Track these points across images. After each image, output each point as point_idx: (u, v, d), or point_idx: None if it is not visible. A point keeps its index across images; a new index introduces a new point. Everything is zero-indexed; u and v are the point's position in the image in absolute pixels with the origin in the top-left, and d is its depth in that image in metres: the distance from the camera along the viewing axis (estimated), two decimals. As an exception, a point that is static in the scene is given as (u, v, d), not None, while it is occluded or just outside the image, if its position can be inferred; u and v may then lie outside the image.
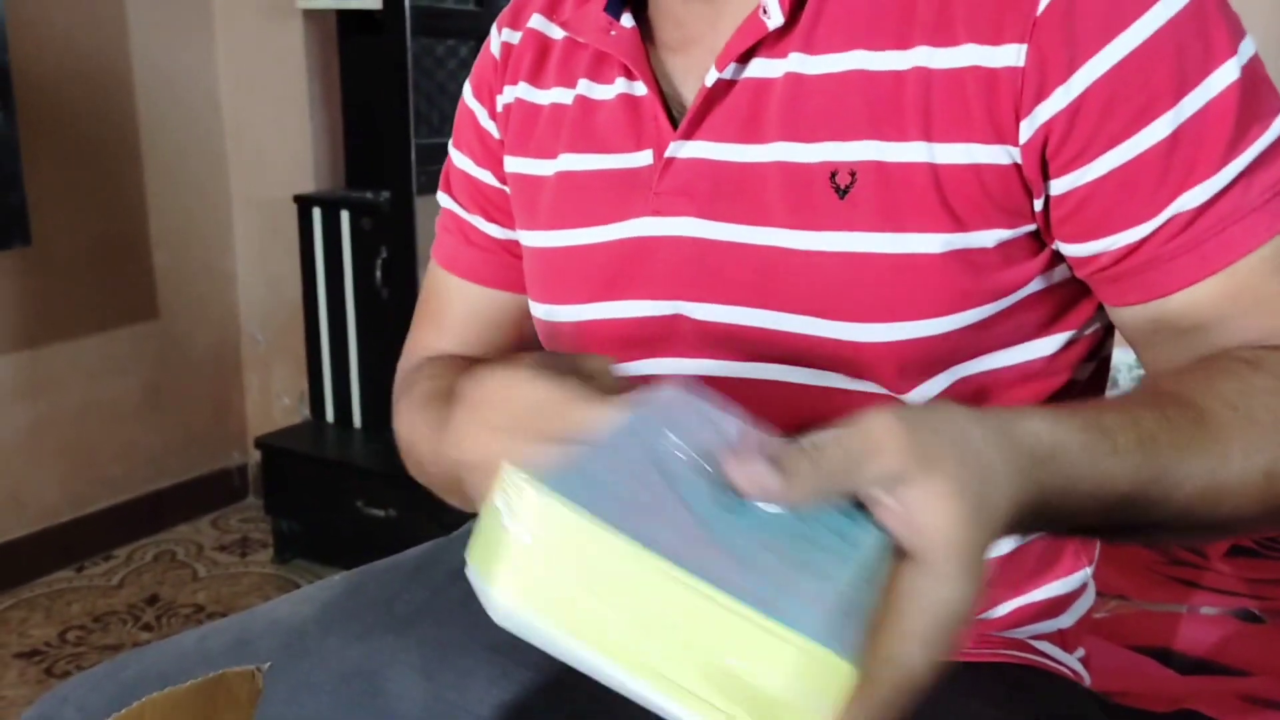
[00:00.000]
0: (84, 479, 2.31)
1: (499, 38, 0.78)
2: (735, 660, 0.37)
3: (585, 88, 0.72)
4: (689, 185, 0.65)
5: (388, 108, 2.09)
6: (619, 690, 0.40)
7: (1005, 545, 0.68)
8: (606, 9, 0.69)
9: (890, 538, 0.41)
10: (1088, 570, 0.73)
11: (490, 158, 0.78)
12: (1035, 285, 0.62)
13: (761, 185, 0.62)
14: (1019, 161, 0.59)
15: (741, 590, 0.37)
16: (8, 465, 2.19)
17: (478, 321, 0.81)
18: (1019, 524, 0.44)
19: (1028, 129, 0.58)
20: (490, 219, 0.79)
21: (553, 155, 0.72)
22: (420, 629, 0.71)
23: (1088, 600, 0.74)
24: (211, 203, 2.47)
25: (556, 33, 0.74)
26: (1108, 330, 0.68)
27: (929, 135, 0.59)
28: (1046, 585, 0.70)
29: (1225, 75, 0.56)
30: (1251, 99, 0.56)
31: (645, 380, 0.62)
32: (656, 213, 0.66)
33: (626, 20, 0.69)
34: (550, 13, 0.75)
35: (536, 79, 0.75)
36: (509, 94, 0.76)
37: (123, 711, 0.44)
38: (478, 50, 0.82)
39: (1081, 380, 0.68)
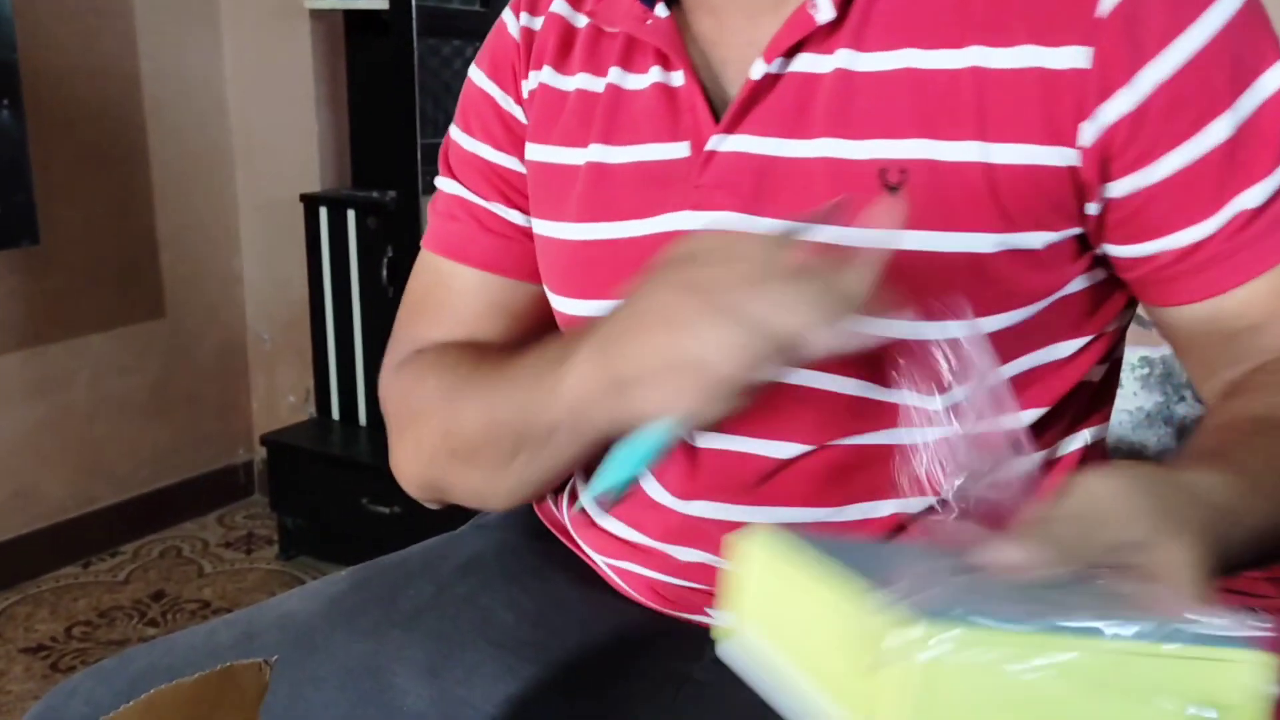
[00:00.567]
0: (91, 476, 2.32)
1: (517, 22, 0.76)
2: (1187, 700, 0.38)
3: (617, 76, 0.70)
4: (730, 179, 0.64)
5: (394, 107, 2.10)
6: None
7: None
8: None
9: None
10: None
11: (514, 142, 0.75)
12: (1072, 288, 0.63)
13: (807, 181, 0.62)
14: (1075, 164, 0.59)
15: (1154, 635, 0.38)
16: (15, 462, 2.20)
17: (497, 313, 0.78)
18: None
19: (1090, 131, 0.58)
20: (512, 205, 0.76)
21: (582, 144, 0.70)
22: (426, 625, 0.71)
23: None
24: (218, 202, 2.48)
25: (580, 20, 0.73)
26: (1121, 333, 0.69)
27: (984, 135, 0.59)
28: None
29: (1277, 75, 0.58)
30: None
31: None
32: (696, 207, 0.65)
33: (661, 10, 0.67)
34: (575, 0, 0.74)
35: (561, 65, 0.73)
36: (533, 79, 0.74)
37: (130, 704, 0.44)
38: (483, 50, 0.80)
39: (1094, 382, 0.69)
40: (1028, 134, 0.58)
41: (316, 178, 2.39)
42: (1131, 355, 1.59)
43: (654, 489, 0.70)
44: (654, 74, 0.68)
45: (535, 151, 0.74)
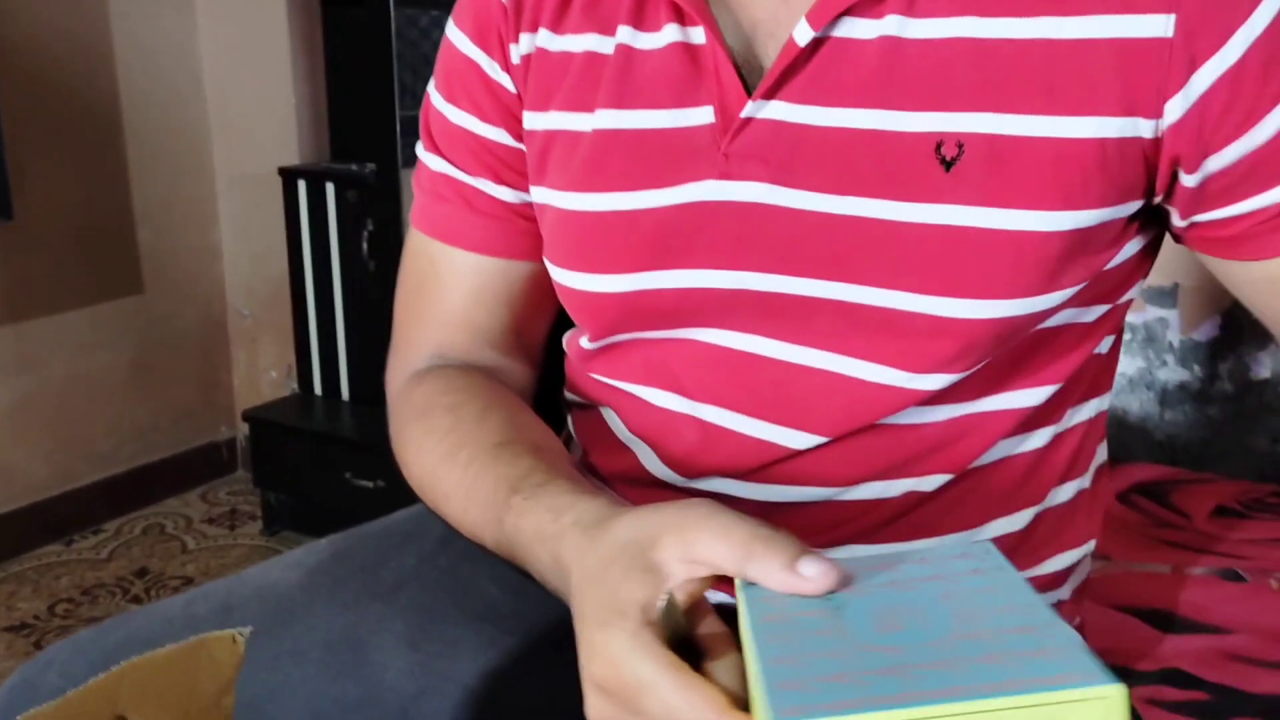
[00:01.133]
0: (71, 453, 2.31)
1: None
2: None
3: (628, 35, 0.65)
4: (764, 149, 0.61)
5: (372, 79, 2.08)
6: None
7: (1022, 518, 0.68)
8: None
9: None
10: (1093, 543, 0.72)
11: (503, 114, 0.71)
12: (1110, 264, 0.62)
13: (851, 153, 0.59)
14: (1154, 138, 0.56)
15: (1005, 685, 0.37)
16: (-6, 440, 2.18)
17: (490, 299, 0.75)
18: None
19: (1179, 106, 0.55)
20: (501, 181, 0.72)
21: (588, 109, 0.66)
22: (407, 596, 0.70)
23: (1084, 570, 0.74)
24: (195, 177, 2.45)
25: None
26: (1130, 301, 0.68)
27: (1051, 109, 0.56)
28: (1054, 557, 0.70)
29: None
30: None
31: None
32: (724, 176, 0.62)
33: None
34: None
35: (559, 25, 0.68)
36: (527, 43, 0.69)
37: (101, 675, 0.43)
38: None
39: (1103, 354, 0.68)
40: (1100, 108, 0.56)
41: (294, 151, 2.36)
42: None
43: (657, 467, 0.70)
44: (670, 32, 0.64)
45: (535, 120, 0.69)
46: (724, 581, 0.48)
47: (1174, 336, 1.66)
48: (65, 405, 2.28)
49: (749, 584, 0.47)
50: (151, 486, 2.44)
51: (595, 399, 0.75)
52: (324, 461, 2.20)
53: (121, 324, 2.36)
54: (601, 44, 0.66)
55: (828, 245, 0.60)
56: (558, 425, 0.78)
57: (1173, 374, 1.71)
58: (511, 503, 0.60)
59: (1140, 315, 1.61)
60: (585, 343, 0.73)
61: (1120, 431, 1.64)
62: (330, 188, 2.24)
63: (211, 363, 2.55)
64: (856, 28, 0.59)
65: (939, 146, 0.57)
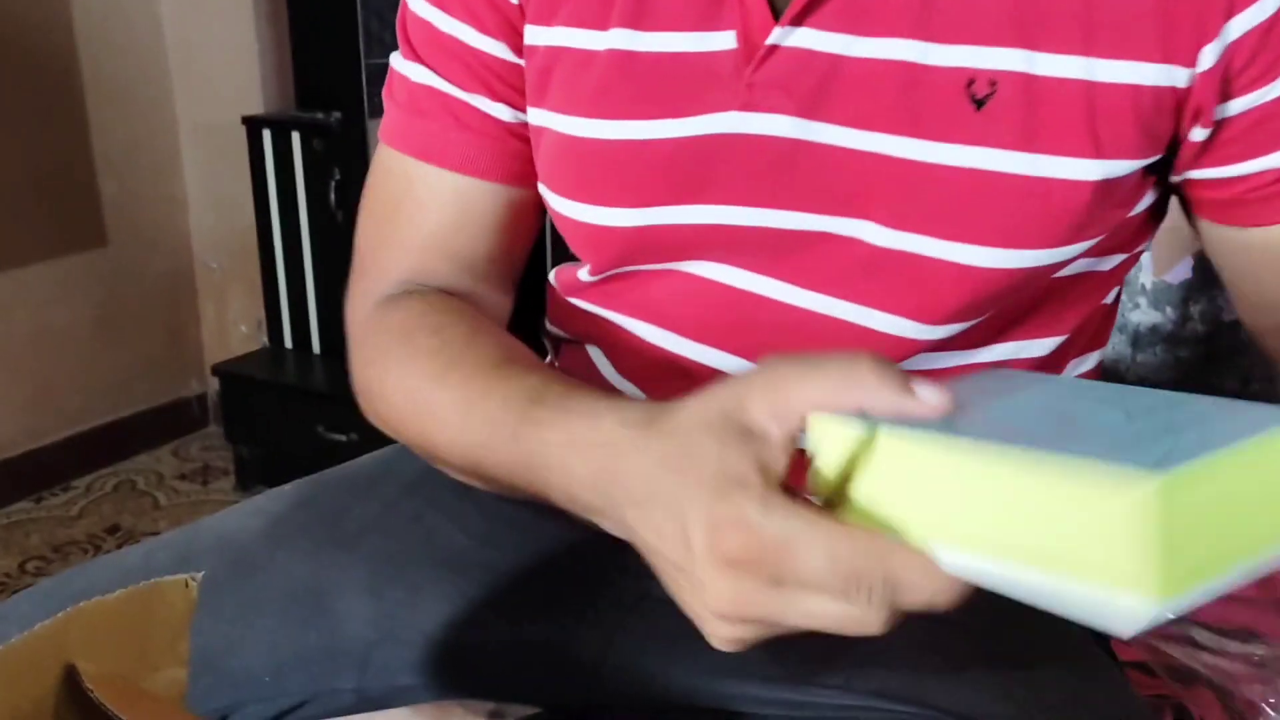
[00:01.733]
0: (39, 410, 2.28)
1: None
2: (1078, 522, 0.36)
3: None
4: (790, 79, 0.57)
5: (336, 25, 2.03)
6: (980, 581, 0.39)
7: None
8: None
9: None
10: None
11: (503, 26, 0.65)
12: (1132, 213, 0.61)
13: (880, 86, 0.56)
14: (1185, 87, 0.55)
15: (1073, 452, 0.36)
16: (-42, 397, 2.15)
17: (473, 224, 0.69)
18: None
19: (1211, 53, 0.54)
20: (497, 98, 0.66)
21: (601, 27, 0.61)
22: (370, 544, 0.69)
23: None
24: (157, 126, 2.40)
25: None
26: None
27: (1089, 50, 0.54)
28: None
29: None
30: None
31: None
32: (746, 107, 0.58)
33: None
34: None
35: None
36: None
37: (49, 620, 0.42)
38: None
39: (1108, 304, 0.68)
40: (1138, 52, 0.54)
41: (259, 99, 2.32)
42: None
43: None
44: None
45: (537, 35, 0.64)
46: None
47: (1146, 279, 1.66)
48: (31, 361, 2.25)
49: (830, 419, 0.42)
50: (122, 442, 2.42)
51: (583, 335, 0.73)
52: (296, 415, 2.18)
53: (86, 277, 2.32)
54: None
55: (851, 183, 0.58)
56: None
57: (1145, 316, 1.72)
58: (532, 414, 0.53)
59: (1113, 257, 1.61)
60: (584, 275, 0.70)
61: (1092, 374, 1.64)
62: (296, 137, 2.20)
63: (179, 316, 2.52)
64: None
65: (970, 84, 0.55)
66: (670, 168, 0.60)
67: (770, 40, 0.57)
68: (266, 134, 2.23)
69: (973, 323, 0.61)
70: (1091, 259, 0.62)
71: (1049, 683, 0.59)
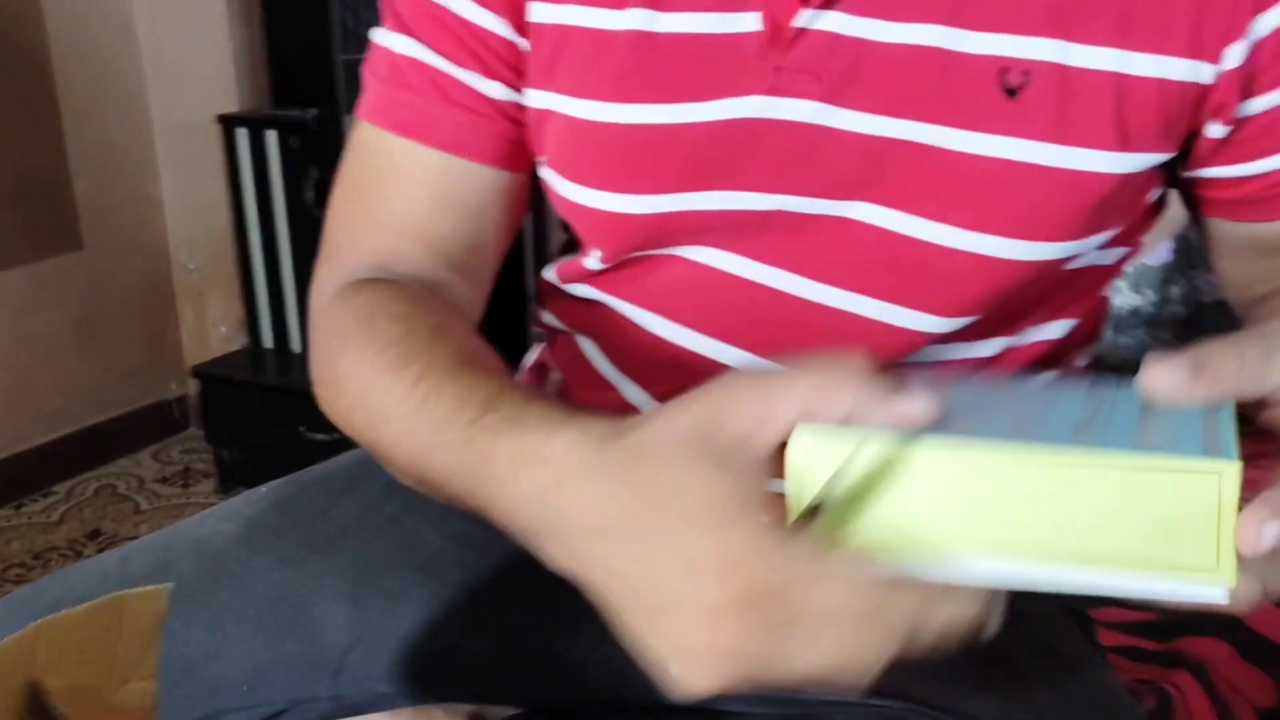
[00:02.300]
0: (18, 415, 2.25)
1: None
2: (1139, 510, 0.37)
3: None
4: (819, 63, 0.56)
5: (311, 21, 2.02)
6: (1028, 586, 0.39)
7: None
8: None
9: None
10: None
11: (504, 0, 0.62)
12: (1140, 209, 0.61)
13: (911, 73, 0.55)
14: (1208, 83, 0.55)
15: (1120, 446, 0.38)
16: (-65, 405, 2.12)
17: (455, 208, 0.65)
18: None
19: (1239, 51, 0.54)
20: (491, 75, 0.63)
21: (618, 5, 0.59)
22: (348, 547, 0.68)
23: None
24: (131, 127, 2.38)
25: None
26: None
27: (1124, 42, 0.54)
28: None
29: None
30: None
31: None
32: (774, 91, 0.56)
33: None
34: None
35: None
36: None
37: (15, 634, 0.41)
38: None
39: (1106, 297, 0.68)
40: (1170, 46, 0.54)
41: (234, 97, 2.30)
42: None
43: (643, 401, 0.67)
44: None
45: (545, 12, 0.61)
46: None
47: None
48: (8, 367, 2.23)
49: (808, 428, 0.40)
50: (102, 447, 2.40)
51: (579, 325, 0.71)
52: (277, 415, 2.17)
53: (62, 281, 2.30)
54: None
55: (875, 169, 0.56)
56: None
57: (1126, 299, 1.72)
58: (484, 422, 0.49)
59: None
60: (591, 263, 0.67)
61: (1074, 359, 1.64)
62: (272, 135, 2.18)
63: (158, 319, 2.50)
64: None
65: (1004, 73, 0.54)
66: (694, 153, 0.58)
67: (797, 23, 0.56)
68: (242, 132, 2.21)
69: (981, 316, 0.60)
70: (1099, 251, 0.61)
71: (1031, 674, 0.59)
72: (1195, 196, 0.63)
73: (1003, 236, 0.56)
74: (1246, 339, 0.42)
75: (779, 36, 0.56)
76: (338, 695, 0.64)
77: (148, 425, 2.48)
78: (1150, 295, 1.74)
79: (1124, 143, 0.55)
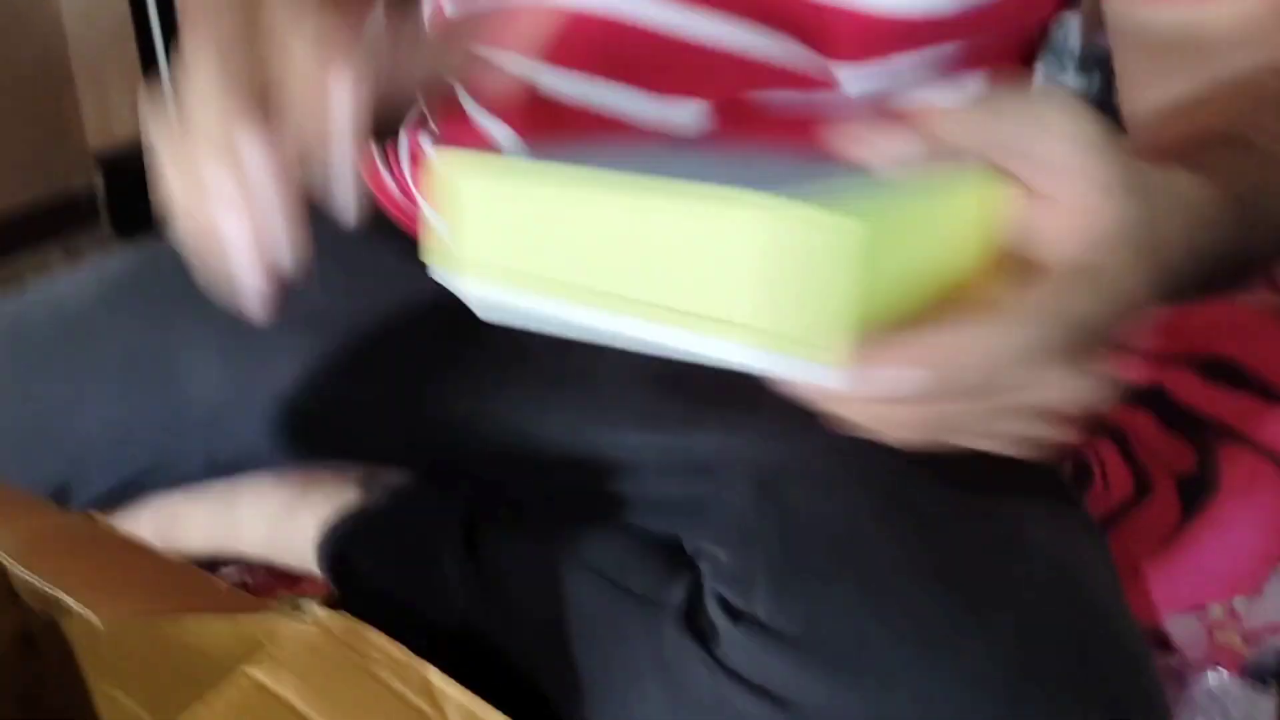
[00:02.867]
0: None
1: None
2: (715, 254, 0.31)
3: None
4: None
5: None
6: (632, 346, 0.35)
7: None
8: None
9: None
10: None
11: None
12: None
13: None
14: None
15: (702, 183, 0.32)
16: None
17: None
18: (1156, 284, 0.37)
19: None
20: None
21: None
22: (219, 307, 0.63)
23: None
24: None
25: None
26: None
27: None
28: None
29: None
30: None
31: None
32: None
33: None
34: None
35: None
36: None
37: None
38: None
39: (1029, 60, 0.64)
40: None
41: None
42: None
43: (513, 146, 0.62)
44: None
45: None
46: None
47: (1074, 43, 1.61)
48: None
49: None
50: (6, 241, 2.29)
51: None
52: (189, 205, 2.08)
53: (-53, 62, 2.14)
54: None
55: None
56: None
57: (1073, 82, 1.67)
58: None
59: (1041, 15, 1.54)
60: (447, 6, 0.63)
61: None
62: (165, -104, 2.01)
63: (57, 106, 2.35)
64: None
65: None
66: None
67: None
68: (132, -107, 2.03)
69: (903, 55, 0.55)
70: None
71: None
72: None
73: None
74: (1011, 107, 0.38)
75: None
76: (210, 451, 0.61)
77: (55, 218, 2.38)
78: (1098, 79, 1.69)
79: None
